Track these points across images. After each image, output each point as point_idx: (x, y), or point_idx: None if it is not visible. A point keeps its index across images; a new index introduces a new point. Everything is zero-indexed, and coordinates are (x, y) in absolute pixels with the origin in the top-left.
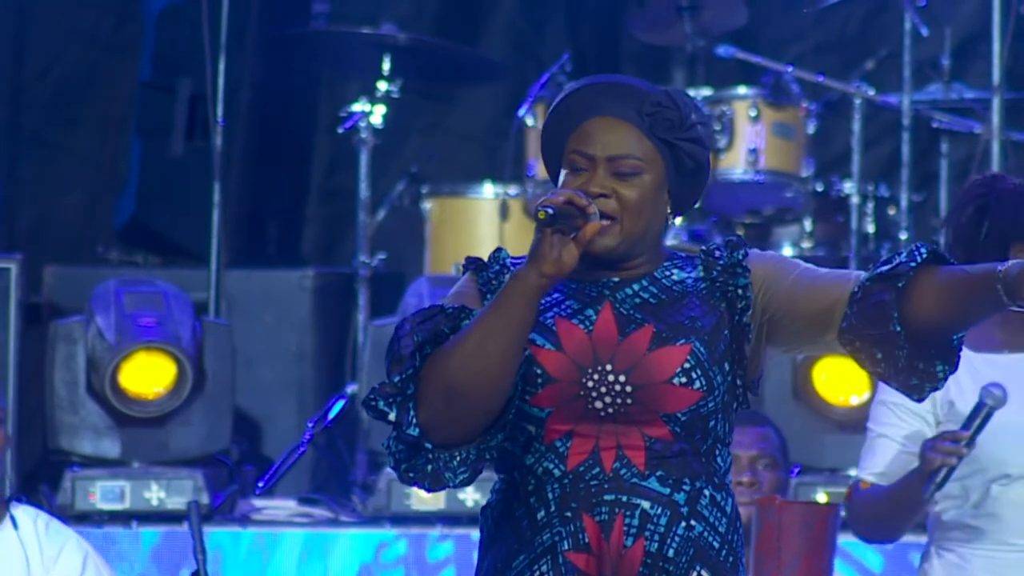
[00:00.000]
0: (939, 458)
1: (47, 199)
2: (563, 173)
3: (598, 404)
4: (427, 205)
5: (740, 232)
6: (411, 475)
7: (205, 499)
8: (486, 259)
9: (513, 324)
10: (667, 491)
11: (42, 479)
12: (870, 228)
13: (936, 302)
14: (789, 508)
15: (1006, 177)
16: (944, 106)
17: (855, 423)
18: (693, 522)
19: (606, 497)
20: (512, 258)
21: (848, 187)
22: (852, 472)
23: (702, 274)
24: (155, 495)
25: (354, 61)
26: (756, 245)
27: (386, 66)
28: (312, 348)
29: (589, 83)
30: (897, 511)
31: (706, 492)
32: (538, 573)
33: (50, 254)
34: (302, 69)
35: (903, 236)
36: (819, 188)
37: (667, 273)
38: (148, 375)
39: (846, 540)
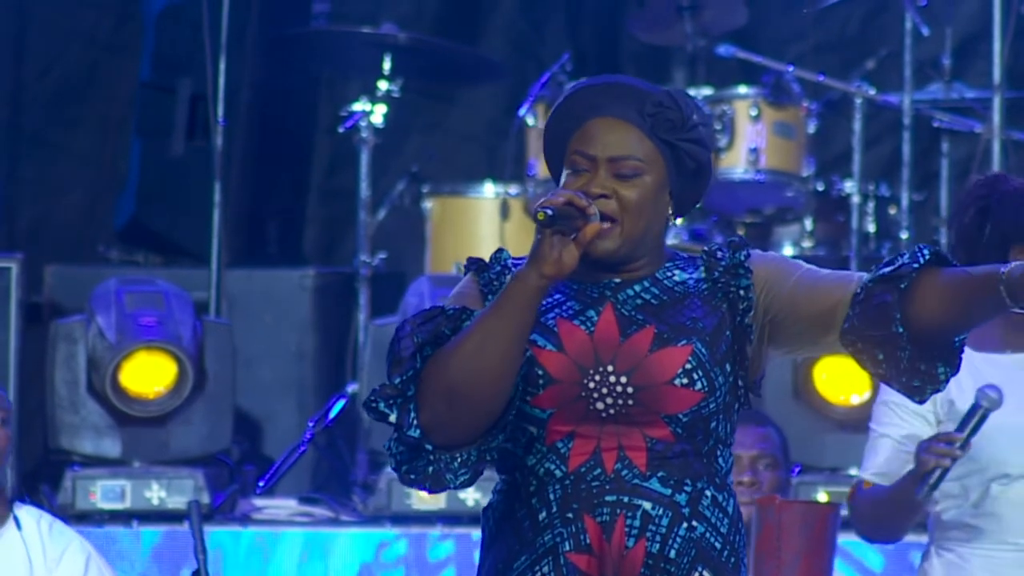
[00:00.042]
0: (932, 459)
1: (47, 199)
2: (564, 173)
3: (599, 405)
4: (428, 204)
5: (740, 231)
6: (412, 477)
7: (206, 498)
8: (487, 260)
9: (513, 325)
10: (668, 492)
11: (43, 479)
12: (871, 227)
13: (939, 304)
14: (789, 508)
15: (1008, 178)
16: (945, 105)
17: (856, 422)
18: (695, 523)
19: (607, 498)
20: (514, 259)
21: (849, 186)
22: (853, 472)
23: (704, 275)
24: (156, 494)
25: (354, 61)
26: (757, 244)
27: (386, 66)
28: (312, 348)
29: (591, 83)
30: (896, 512)
31: (708, 493)
32: (539, 574)
33: (50, 254)
34: (302, 69)
35: (904, 235)
36: (820, 187)
37: (669, 274)
38: (149, 374)
39: (846, 540)
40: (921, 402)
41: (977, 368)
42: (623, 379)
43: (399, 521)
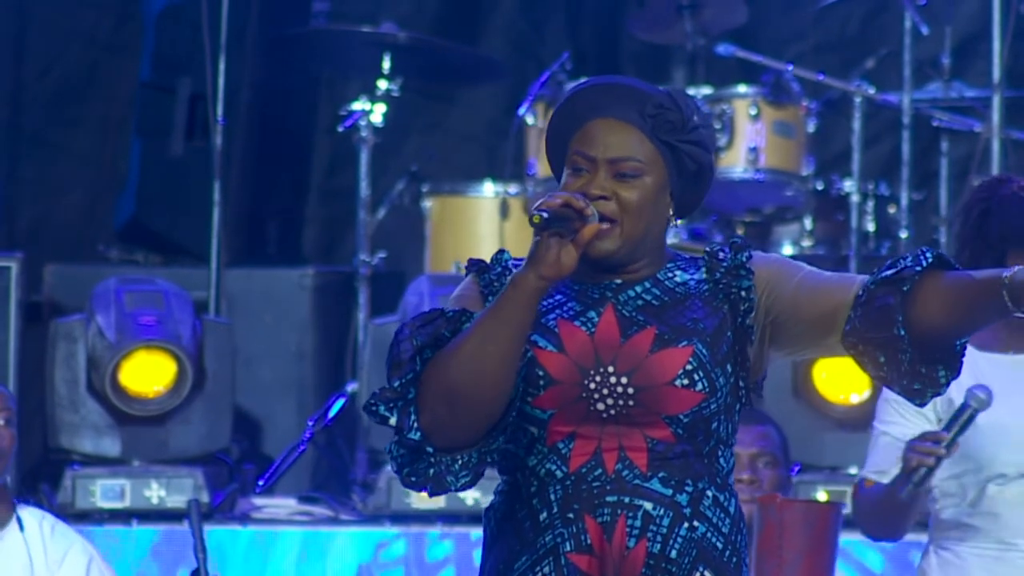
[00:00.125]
0: (916, 458)
1: (47, 199)
2: (565, 174)
3: (600, 406)
4: (427, 204)
5: (740, 230)
6: (413, 479)
7: (205, 497)
8: (488, 261)
9: (512, 327)
10: (669, 492)
11: (42, 478)
12: (870, 227)
13: (941, 307)
14: (791, 507)
15: (1012, 180)
16: (944, 105)
17: (855, 421)
18: (696, 523)
19: (608, 498)
20: (514, 260)
21: (848, 185)
22: (852, 471)
23: (705, 276)
24: (155, 493)
25: (354, 60)
26: (756, 244)
27: (386, 65)
28: (312, 347)
29: (592, 84)
30: (891, 510)
31: (709, 493)
32: (540, 574)
33: (50, 253)
34: (302, 68)
35: (903, 235)
36: (819, 186)
37: (670, 275)
38: (148, 374)
39: (846, 539)
40: (921, 405)
41: (978, 367)
42: (624, 380)
43: (399, 520)
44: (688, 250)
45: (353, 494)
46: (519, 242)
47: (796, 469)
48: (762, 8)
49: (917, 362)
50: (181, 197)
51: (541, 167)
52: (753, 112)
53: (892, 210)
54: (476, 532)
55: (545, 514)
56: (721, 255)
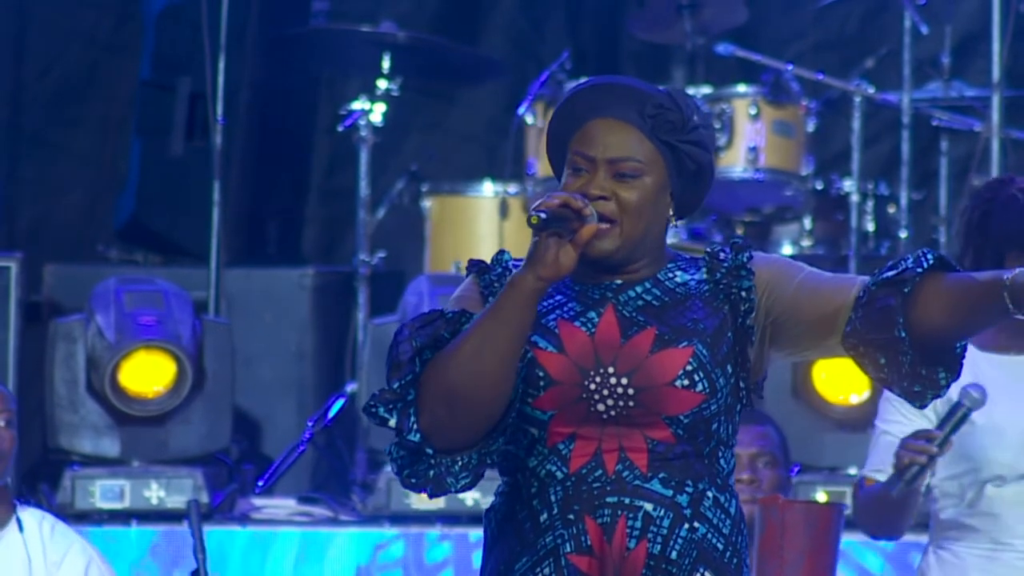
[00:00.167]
0: (907, 456)
1: (47, 199)
2: (565, 174)
3: (600, 407)
4: (427, 203)
5: (739, 230)
6: (413, 481)
7: (205, 498)
8: (489, 262)
9: (511, 327)
10: (670, 493)
11: (42, 478)
12: (870, 226)
13: (942, 309)
14: (792, 507)
15: (1012, 181)
16: (944, 104)
17: (855, 422)
18: (696, 524)
19: (608, 499)
20: (515, 260)
21: (848, 185)
22: (852, 471)
23: (706, 276)
24: (155, 494)
25: (354, 59)
26: (756, 243)
27: (386, 64)
28: (312, 347)
29: (592, 84)
30: (886, 508)
31: (709, 494)
32: (541, 575)
33: (50, 253)
34: (302, 68)
35: (903, 234)
36: (819, 186)
37: (670, 275)
38: (148, 374)
39: (846, 540)
40: (922, 407)
41: (978, 367)
42: (624, 380)
43: (398, 521)
44: (688, 250)
45: (352, 495)
46: (519, 242)
47: (796, 469)
48: (762, 8)
49: (918, 364)
50: (181, 197)
51: (541, 167)
52: (753, 112)
53: (892, 210)
54: (475, 533)
55: (545, 515)
56: (722, 255)
